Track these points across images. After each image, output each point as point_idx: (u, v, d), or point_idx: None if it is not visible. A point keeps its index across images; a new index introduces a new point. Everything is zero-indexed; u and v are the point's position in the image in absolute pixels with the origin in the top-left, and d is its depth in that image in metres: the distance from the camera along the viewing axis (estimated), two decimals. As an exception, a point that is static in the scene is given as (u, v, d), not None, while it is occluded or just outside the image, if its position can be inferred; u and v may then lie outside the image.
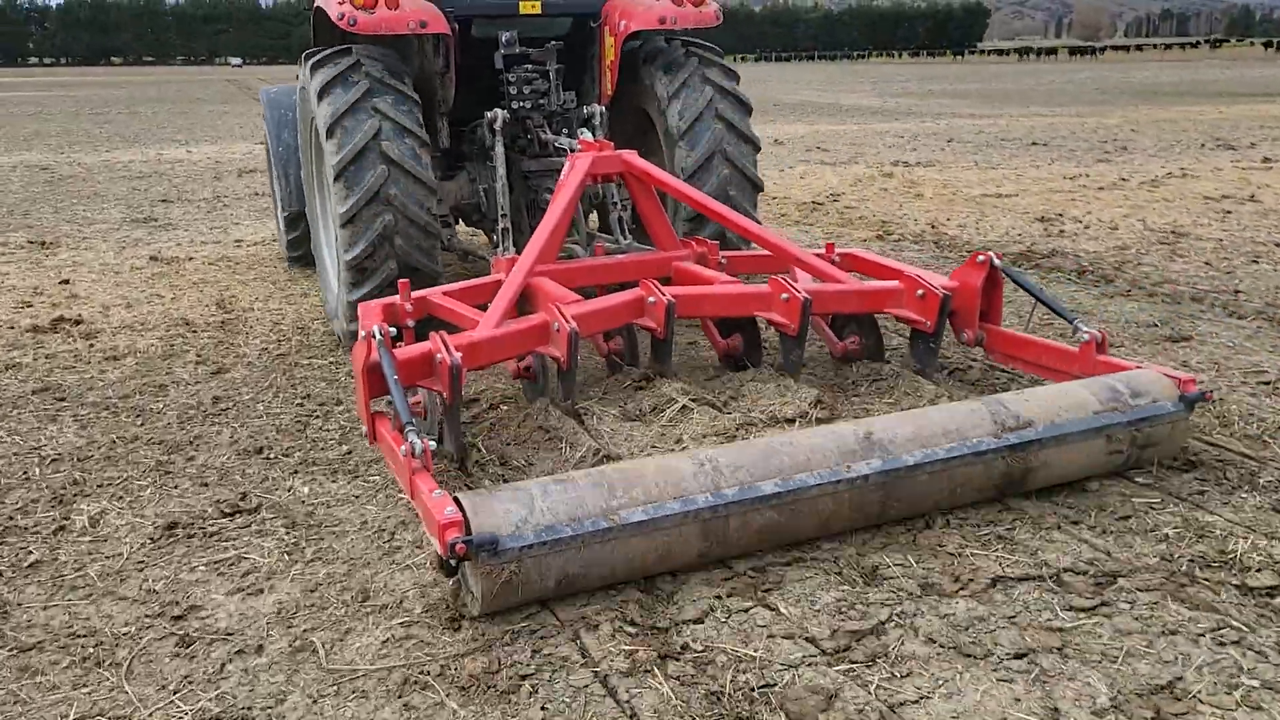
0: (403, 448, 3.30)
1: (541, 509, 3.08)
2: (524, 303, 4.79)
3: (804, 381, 4.69)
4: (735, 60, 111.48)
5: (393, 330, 4.09)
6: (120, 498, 4.01)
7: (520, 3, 6.14)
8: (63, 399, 5.18)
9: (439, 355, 3.83)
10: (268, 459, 4.38)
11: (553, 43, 6.16)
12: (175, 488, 4.09)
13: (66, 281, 7.82)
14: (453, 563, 2.97)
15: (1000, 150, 16.57)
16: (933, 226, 9.71)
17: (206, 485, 4.11)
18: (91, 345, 6.13)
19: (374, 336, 3.74)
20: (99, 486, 4.12)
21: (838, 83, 48.22)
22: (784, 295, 4.62)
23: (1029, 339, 4.77)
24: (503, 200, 5.90)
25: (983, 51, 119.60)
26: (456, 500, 3.04)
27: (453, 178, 6.51)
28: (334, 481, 4.14)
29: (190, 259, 8.67)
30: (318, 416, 4.90)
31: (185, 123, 25.62)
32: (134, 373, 5.60)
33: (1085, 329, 4.40)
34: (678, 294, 4.64)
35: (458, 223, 6.72)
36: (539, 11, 6.19)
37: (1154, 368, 4.24)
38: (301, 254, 7.81)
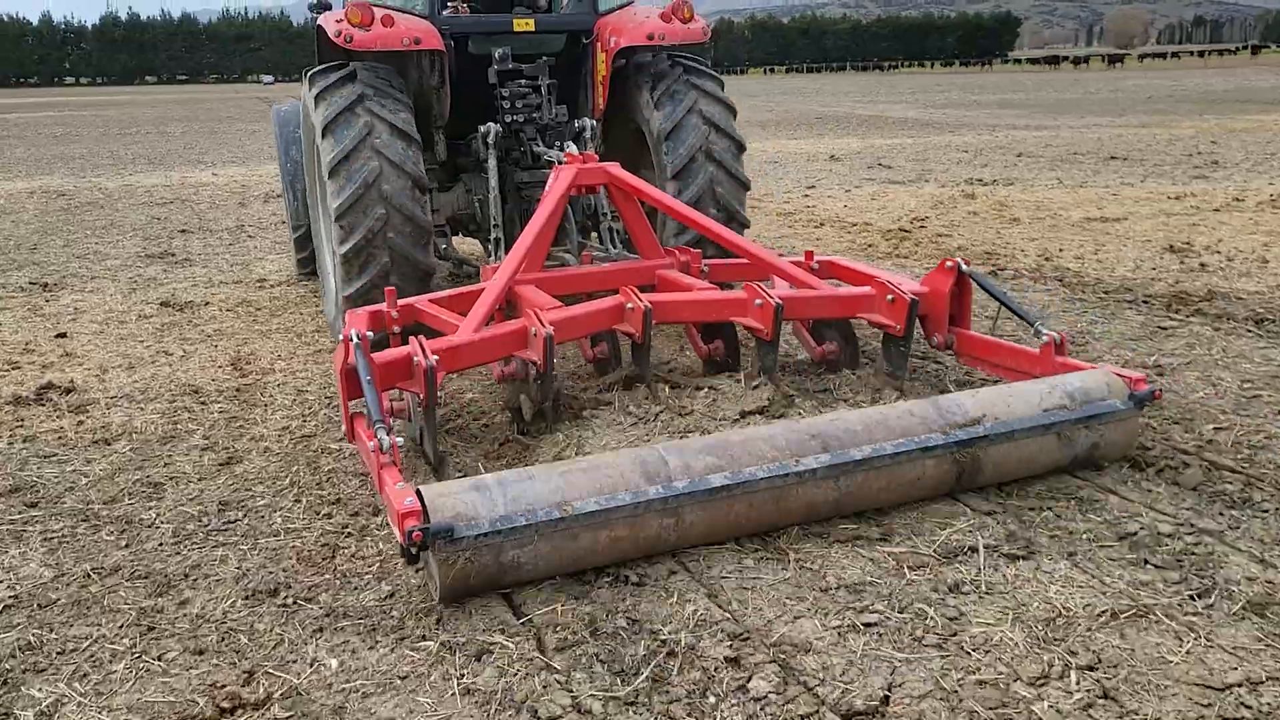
0: (371, 443, 3.51)
1: (497, 500, 3.27)
2: (510, 310, 5.01)
3: (771, 385, 4.85)
4: (766, 72, 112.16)
5: (372, 335, 4.28)
6: (84, 675, 3.00)
7: (515, 20, 6.38)
8: (35, 504, 4.17)
9: (416, 358, 4.04)
10: (284, 606, 3.34)
11: (544, 59, 6.38)
12: (158, 659, 3.06)
13: (64, 335, 6.83)
14: (413, 550, 3.16)
15: (1079, 166, 15.56)
16: (1046, 259, 8.64)
17: (201, 654, 3.09)
18: (80, 423, 5.13)
19: (351, 340, 3.96)
20: (59, 655, 3.10)
21: (876, 93, 47.11)
22: (757, 301, 4.80)
23: (994, 342, 4.93)
24: (495, 211, 6.13)
25: (1016, 61, 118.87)
26: (418, 492, 3.24)
27: (450, 189, 6.75)
28: (372, 648, 3.08)
29: (206, 304, 7.68)
30: (350, 534, 3.84)
31: (213, 143, 24.64)
32: (126, 463, 4.61)
33: (1046, 331, 4.56)
34: (655, 300, 4.82)
35: (455, 233, 6.94)
36: (533, 29, 6.42)
37: (1107, 368, 4.38)
38: (311, 270, 8.04)
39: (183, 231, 11.19)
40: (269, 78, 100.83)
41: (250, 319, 7.25)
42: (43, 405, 5.43)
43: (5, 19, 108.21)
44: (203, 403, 5.44)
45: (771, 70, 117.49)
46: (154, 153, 22.17)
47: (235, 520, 4.00)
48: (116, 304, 7.75)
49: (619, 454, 3.63)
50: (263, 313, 7.42)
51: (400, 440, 3.60)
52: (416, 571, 3.43)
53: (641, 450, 3.64)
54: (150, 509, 4.13)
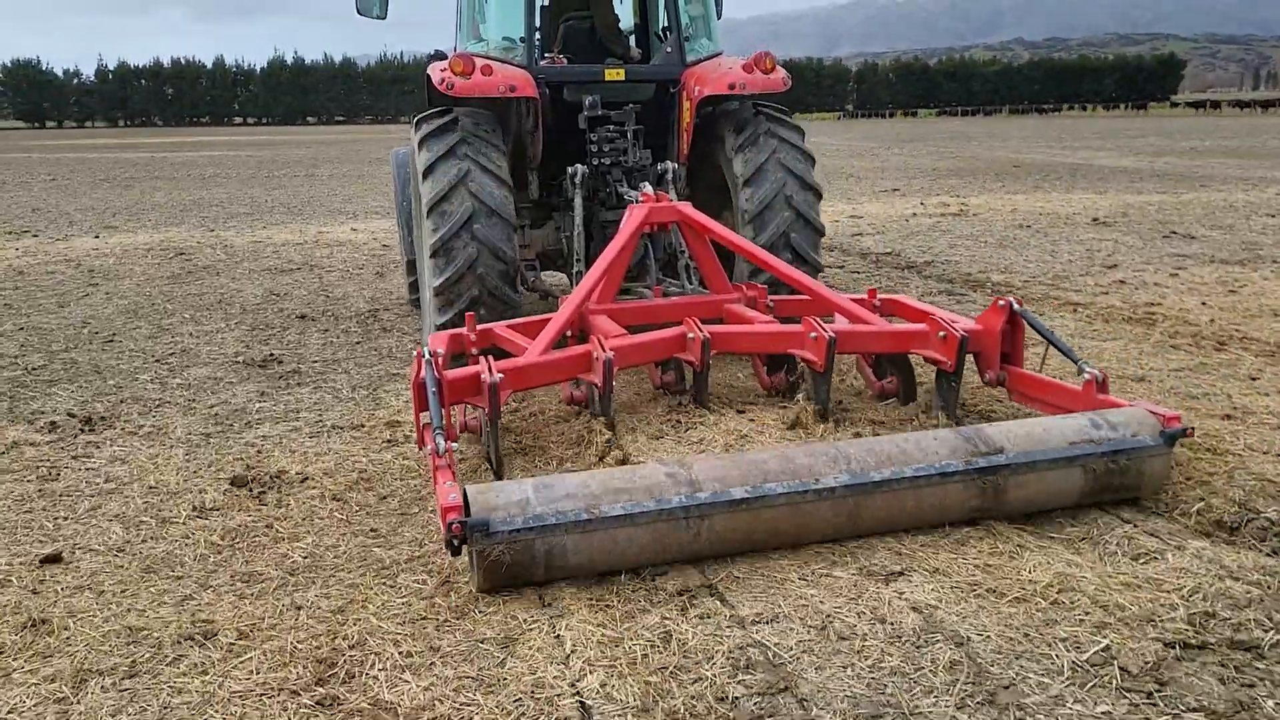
0: (428, 447, 3.94)
1: (533, 500, 3.64)
2: (583, 338, 5.42)
3: (821, 413, 5.10)
4: (910, 115, 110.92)
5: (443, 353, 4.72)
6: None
7: (606, 71, 6.85)
8: None
9: (483, 376, 4.47)
10: None
11: (630, 106, 6.82)
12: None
13: (55, 559, 3.99)
14: (455, 542, 3.55)
15: None
16: None
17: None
18: None
19: (424, 357, 4.41)
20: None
21: (1053, 138, 44.36)
22: (812, 334, 5.08)
23: (1041, 379, 5.07)
24: (578, 246, 6.58)
25: (1173, 104, 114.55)
26: (464, 491, 3.64)
27: (541, 226, 7.23)
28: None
29: (303, 479, 4.83)
30: None
31: (359, 188, 23.52)
32: None
33: (1088, 370, 4.71)
34: (715, 331, 5.17)
35: (545, 268, 7.41)
36: (623, 79, 6.88)
37: (1142, 404, 4.51)
38: (418, 299, 8.60)
39: (301, 317, 8.84)
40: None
41: (365, 528, 4.28)
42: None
43: (183, 62, 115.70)
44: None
45: (914, 114, 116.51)
46: (295, 200, 21.10)
47: None
48: (169, 476, 4.92)
49: (651, 464, 3.96)
50: (386, 510, 4.46)
51: (456, 446, 4.01)
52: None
53: (672, 461, 3.96)
54: None
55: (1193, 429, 4.49)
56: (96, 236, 15.09)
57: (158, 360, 7.38)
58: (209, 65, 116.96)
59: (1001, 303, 5.18)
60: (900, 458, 4.04)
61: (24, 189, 24.74)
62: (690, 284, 6.55)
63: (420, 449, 4.72)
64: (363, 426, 5.65)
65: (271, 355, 7.40)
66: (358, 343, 7.89)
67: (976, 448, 4.13)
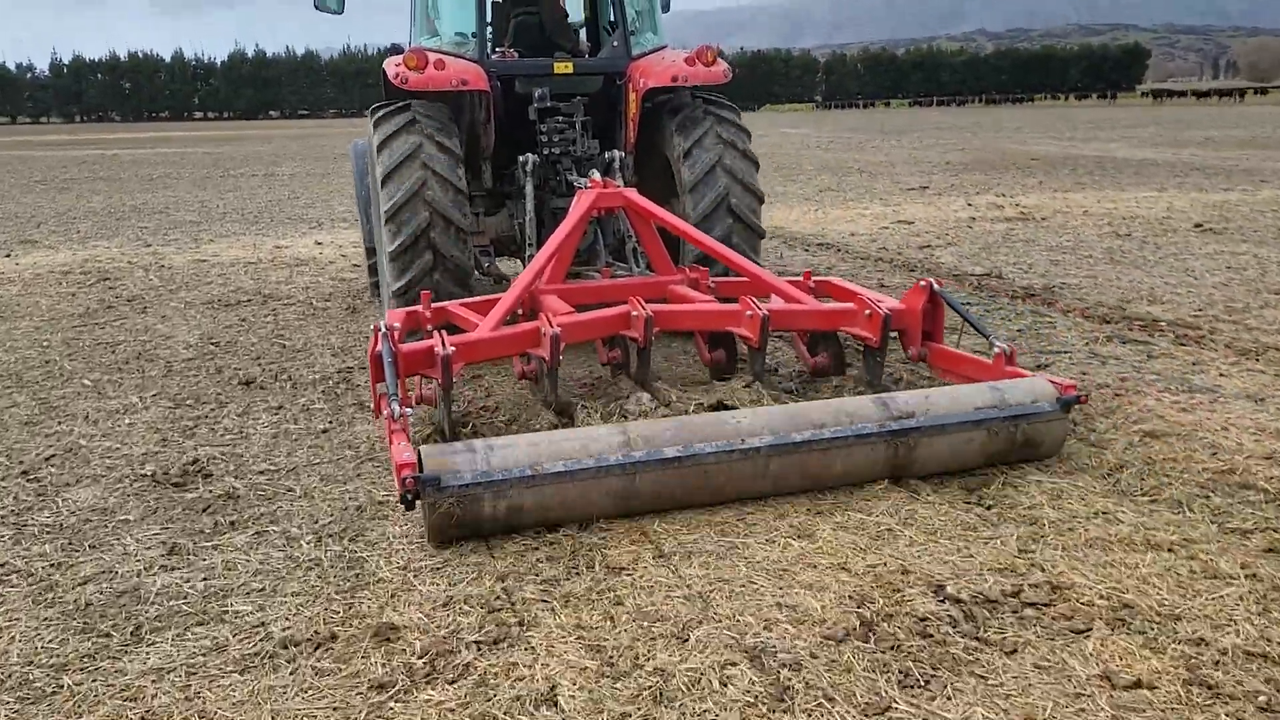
0: (385, 412, 4.28)
1: (482, 459, 3.99)
2: (533, 316, 5.75)
3: (760, 386, 5.47)
4: (885, 105, 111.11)
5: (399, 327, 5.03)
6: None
7: (555, 64, 7.19)
8: None
9: (436, 349, 4.81)
10: None
11: (578, 97, 7.17)
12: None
13: None
14: (409, 497, 3.88)
15: None
16: None
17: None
18: None
19: (379, 330, 4.74)
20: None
21: (1052, 129, 42.51)
22: (748, 312, 5.45)
23: (957, 353, 5.47)
24: (530, 232, 6.92)
25: (1144, 94, 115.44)
26: (418, 451, 3.98)
27: (495, 214, 7.56)
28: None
29: None
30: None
31: (322, 190, 21.12)
32: None
33: (999, 344, 5.11)
34: (657, 309, 5.52)
35: (500, 254, 7.73)
36: (571, 71, 7.22)
37: (1042, 375, 4.92)
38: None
39: (245, 384, 6.47)
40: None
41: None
42: None
43: (140, 55, 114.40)
44: None
45: (887, 104, 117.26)
46: (251, 204, 18.59)
47: None
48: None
49: (595, 428, 4.33)
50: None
51: (410, 411, 4.34)
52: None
53: (613, 425, 4.32)
54: None
55: (1087, 395, 4.89)
56: (7, 255, 12.55)
57: (23, 471, 4.96)
58: (168, 59, 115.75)
59: (923, 283, 5.57)
60: (819, 422, 4.42)
61: (-60, 194, 21.37)
62: (638, 267, 6.90)
63: (376, 417, 5.05)
64: (333, 642, 3.35)
65: (195, 462, 5.00)
66: (324, 430, 5.53)
67: (890, 413, 4.52)
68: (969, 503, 4.39)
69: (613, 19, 7.84)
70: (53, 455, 5.22)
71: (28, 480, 4.88)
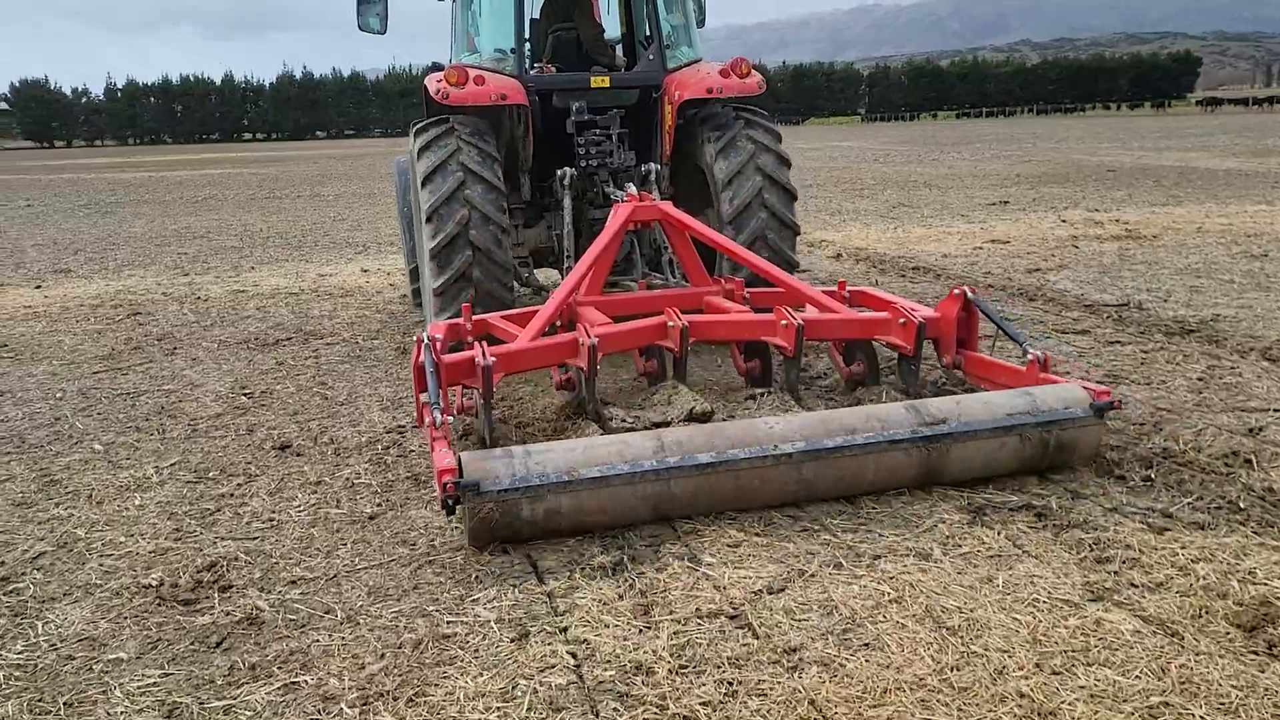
0: (427, 419, 4.40)
1: (520, 465, 4.09)
2: (571, 327, 5.87)
3: (792, 396, 5.53)
4: (932, 116, 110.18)
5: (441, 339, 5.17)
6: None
7: (592, 78, 7.33)
8: None
9: (477, 359, 4.93)
10: None
11: (614, 110, 7.31)
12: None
13: None
14: (450, 502, 4.00)
15: None
16: None
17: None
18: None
19: (422, 341, 4.87)
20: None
21: (1119, 139, 40.98)
22: (783, 322, 5.53)
23: (991, 361, 5.51)
24: (568, 244, 7.05)
25: (1205, 102, 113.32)
26: (458, 457, 4.09)
27: (534, 226, 7.70)
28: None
29: None
30: None
31: (369, 211, 20.57)
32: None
33: (1031, 351, 5.14)
34: (693, 320, 5.62)
35: (539, 265, 7.88)
36: (608, 85, 7.36)
37: (1076, 382, 4.94)
38: (420, 303, 8.98)
39: (281, 448, 5.61)
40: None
41: None
42: None
43: (192, 79, 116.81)
44: None
45: (934, 116, 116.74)
46: (295, 228, 18.00)
47: None
48: None
49: (631, 435, 4.42)
50: None
51: (451, 419, 4.47)
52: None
53: (649, 432, 4.42)
54: None
55: (1120, 401, 4.91)
56: (37, 287, 11.88)
57: (3, 578, 4.06)
58: (218, 82, 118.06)
59: (957, 291, 5.62)
60: (852, 427, 4.48)
61: (-13, 218, 21.42)
62: (673, 278, 7.00)
63: (418, 426, 5.17)
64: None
65: (211, 567, 4.07)
66: (371, 517, 4.59)
67: (922, 418, 4.57)
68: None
69: (649, 33, 7.98)
70: (42, 554, 4.26)
71: (5, 593, 3.92)
